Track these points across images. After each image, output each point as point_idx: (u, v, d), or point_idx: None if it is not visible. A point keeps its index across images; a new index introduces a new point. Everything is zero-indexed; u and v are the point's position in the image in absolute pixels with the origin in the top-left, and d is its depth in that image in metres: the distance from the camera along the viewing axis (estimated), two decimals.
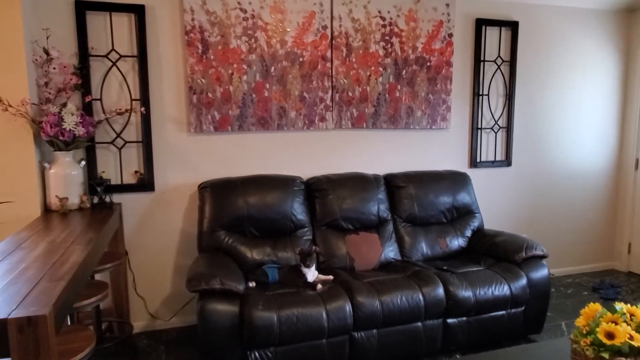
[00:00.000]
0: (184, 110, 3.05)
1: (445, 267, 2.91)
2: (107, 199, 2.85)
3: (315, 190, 3.16)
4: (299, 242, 2.99)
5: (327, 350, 2.46)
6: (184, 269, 3.15)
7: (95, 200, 2.83)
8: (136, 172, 3.01)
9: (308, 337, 2.40)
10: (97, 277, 2.90)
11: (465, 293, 2.68)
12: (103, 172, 2.92)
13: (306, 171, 3.34)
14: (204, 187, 2.97)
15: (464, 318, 2.73)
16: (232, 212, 2.90)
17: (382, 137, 3.53)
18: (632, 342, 1.55)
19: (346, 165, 3.45)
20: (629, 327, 1.58)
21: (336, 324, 2.43)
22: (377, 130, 3.50)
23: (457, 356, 2.76)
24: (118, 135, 2.94)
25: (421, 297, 2.60)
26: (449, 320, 2.70)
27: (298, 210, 3.03)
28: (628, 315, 1.67)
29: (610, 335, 1.57)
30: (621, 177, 4.34)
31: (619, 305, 1.73)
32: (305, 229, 3.06)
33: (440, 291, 2.65)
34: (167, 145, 3.05)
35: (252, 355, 2.35)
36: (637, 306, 1.71)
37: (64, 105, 2.60)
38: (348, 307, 2.47)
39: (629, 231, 4.32)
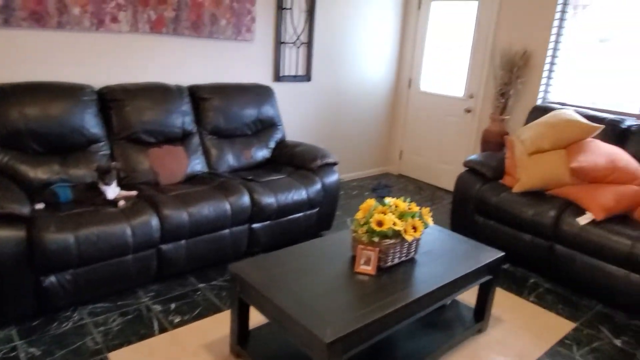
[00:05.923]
0: None
1: (250, 177, 3.07)
2: None
3: (110, 100, 2.87)
4: (95, 158, 2.74)
5: (133, 264, 2.43)
6: None
7: None
8: None
9: (111, 255, 2.32)
10: None
11: (269, 200, 2.90)
12: None
13: (98, 79, 2.99)
14: None
15: (267, 222, 2.97)
16: (5, 125, 2.46)
17: (184, 46, 3.33)
18: (395, 227, 1.94)
19: (145, 75, 3.20)
20: (393, 216, 1.97)
21: (142, 239, 2.39)
22: (178, 37, 3.28)
23: (260, 255, 3.03)
24: None
25: (228, 206, 2.72)
26: (254, 225, 2.91)
27: (90, 122, 2.74)
28: (394, 207, 2.07)
29: (380, 223, 1.94)
30: (397, 94, 5.06)
31: (388, 199, 2.12)
32: (101, 144, 2.81)
33: (246, 199, 2.80)
34: None
35: (48, 280, 2.17)
36: (401, 200, 2.12)
37: None
38: (154, 221, 2.44)
39: (401, 140, 5.15)
